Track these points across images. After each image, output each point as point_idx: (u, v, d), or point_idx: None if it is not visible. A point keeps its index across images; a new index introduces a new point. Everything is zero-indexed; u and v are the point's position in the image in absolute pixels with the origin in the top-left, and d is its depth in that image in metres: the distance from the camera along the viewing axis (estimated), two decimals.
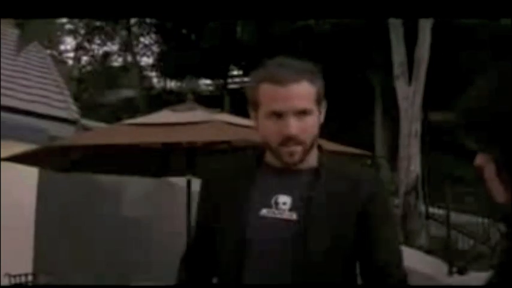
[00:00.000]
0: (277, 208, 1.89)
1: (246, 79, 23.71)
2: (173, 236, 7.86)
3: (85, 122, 8.48)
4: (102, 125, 8.55)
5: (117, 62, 26.32)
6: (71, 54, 26.40)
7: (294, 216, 1.87)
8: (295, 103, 1.83)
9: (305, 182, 1.92)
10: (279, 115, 1.84)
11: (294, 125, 1.83)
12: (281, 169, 1.94)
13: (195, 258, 2.15)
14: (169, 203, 8.26)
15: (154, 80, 26.13)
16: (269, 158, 1.97)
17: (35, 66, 9.39)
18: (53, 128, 7.64)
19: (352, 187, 1.91)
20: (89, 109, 11.68)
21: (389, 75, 11.22)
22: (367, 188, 1.92)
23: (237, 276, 1.89)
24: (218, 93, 22.05)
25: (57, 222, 8.39)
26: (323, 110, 1.96)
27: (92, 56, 25.97)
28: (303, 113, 1.85)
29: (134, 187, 8.14)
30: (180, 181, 7.30)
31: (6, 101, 7.60)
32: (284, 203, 1.89)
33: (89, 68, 25.93)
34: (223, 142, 4.49)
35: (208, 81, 24.69)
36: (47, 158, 4.93)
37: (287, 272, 1.85)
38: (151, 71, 25.62)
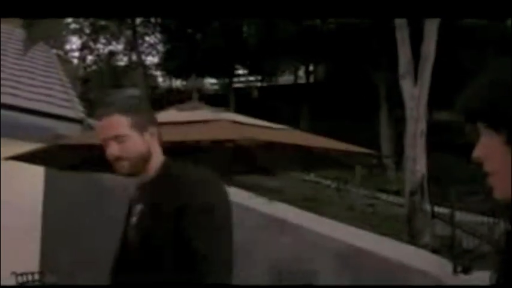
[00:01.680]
0: (136, 216, 2.32)
1: (251, 78, 23.73)
2: None
3: (91, 121, 8.48)
4: None
5: (122, 61, 26.35)
6: (76, 54, 26.43)
7: (136, 223, 2.30)
8: (108, 132, 2.25)
9: (147, 191, 2.32)
10: (105, 141, 2.26)
11: (113, 148, 2.25)
12: (141, 183, 2.37)
13: None
14: None
15: (160, 79, 26.15)
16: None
17: (40, 65, 9.41)
18: (59, 127, 7.65)
19: (172, 197, 2.20)
20: (95, 108, 11.73)
21: (395, 75, 11.21)
22: (182, 199, 2.17)
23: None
24: (223, 92, 22.04)
25: (64, 221, 8.41)
26: (150, 131, 2.32)
27: (97, 56, 26.00)
28: (119, 137, 2.24)
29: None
30: None
31: (12, 100, 7.62)
32: (137, 212, 2.32)
33: (94, 67, 25.96)
34: (228, 141, 4.48)
35: (213, 80, 24.69)
36: (54, 157, 4.95)
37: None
38: (156, 70, 25.66)
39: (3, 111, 7.33)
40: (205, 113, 4.72)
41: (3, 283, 6.38)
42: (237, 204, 8.03)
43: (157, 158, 2.33)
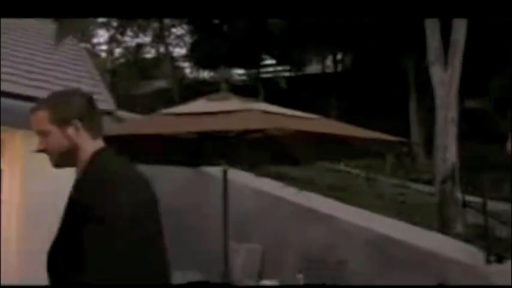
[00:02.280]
0: None
1: (279, 68, 23.66)
2: (208, 226, 7.93)
3: (120, 113, 8.54)
4: (137, 116, 8.61)
5: (149, 53, 26.47)
6: (104, 47, 26.60)
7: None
8: (34, 126, 2.36)
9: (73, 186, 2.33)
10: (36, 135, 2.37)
11: (39, 142, 2.35)
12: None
13: None
14: (204, 193, 8.31)
15: (187, 71, 26.21)
16: None
17: (70, 59, 9.50)
18: None
19: (76, 193, 2.28)
20: (123, 101, 11.78)
21: (424, 61, 11.09)
22: (74, 196, 2.28)
23: None
24: (251, 83, 22.01)
25: None
26: (74, 125, 2.34)
27: (125, 48, 26.13)
28: (42, 132, 2.34)
29: (169, 178, 8.19)
30: (214, 171, 7.35)
31: (43, 94, 7.71)
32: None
33: (122, 60, 26.10)
34: (258, 130, 4.48)
35: (241, 71, 24.68)
36: None
37: None
38: (184, 61, 25.71)
39: (34, 104, 7.42)
40: (235, 103, 4.72)
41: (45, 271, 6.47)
42: (268, 194, 8.10)
43: (87, 152, 2.35)
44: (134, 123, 5.29)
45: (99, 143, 2.39)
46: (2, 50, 8.44)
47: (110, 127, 7.11)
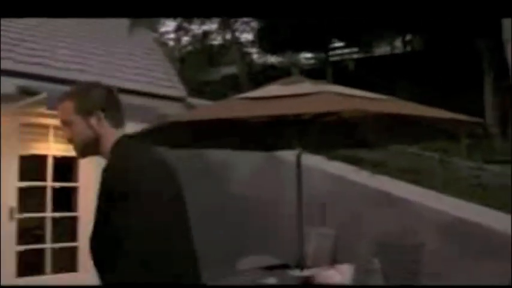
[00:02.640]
0: None
1: (346, 50, 23.38)
2: (281, 211, 7.94)
3: (190, 100, 8.65)
4: (208, 102, 8.68)
5: (216, 40, 26.62)
6: (172, 36, 26.89)
7: None
8: (60, 117, 2.50)
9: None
10: (61, 126, 2.50)
11: (64, 131, 2.50)
12: None
13: None
14: (276, 178, 8.31)
15: (255, 56, 26.24)
16: None
17: (141, 48, 9.67)
18: (161, 106, 7.85)
19: (104, 181, 2.30)
20: (192, 88, 11.90)
21: (499, 40, 10.73)
22: (101, 182, 2.31)
23: None
24: (319, 66, 21.84)
25: None
26: (96, 116, 2.45)
27: (192, 36, 26.35)
28: (66, 122, 2.47)
29: (242, 162, 8.23)
30: (287, 155, 7.34)
31: (116, 82, 7.88)
32: None
33: (189, 48, 26.35)
34: (332, 113, 4.43)
35: (308, 55, 24.52)
36: (159, 136, 5.06)
37: None
38: (251, 47, 25.73)
39: None
40: (307, 86, 4.67)
41: None
42: (340, 178, 8.04)
43: (109, 141, 2.44)
44: (207, 108, 5.32)
45: (121, 132, 2.48)
46: (78, 42, 8.67)
47: (182, 113, 7.21)
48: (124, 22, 10.46)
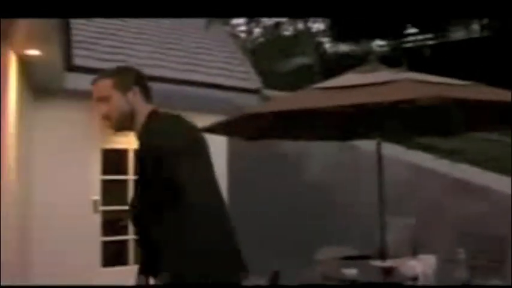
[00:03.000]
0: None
1: (420, 37, 22.88)
2: (359, 200, 7.89)
3: (265, 91, 8.68)
4: (282, 93, 8.69)
5: (288, 30, 26.58)
6: (243, 28, 27.03)
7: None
8: (96, 94, 2.73)
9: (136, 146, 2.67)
10: (95, 103, 2.72)
11: (100, 108, 2.71)
12: None
13: None
14: (354, 168, 8.26)
15: (327, 45, 26.07)
16: None
17: (215, 41, 9.77)
18: (238, 98, 7.91)
19: (143, 148, 2.61)
20: (265, 79, 11.92)
21: None
22: (138, 151, 2.63)
23: None
24: (394, 54, 21.47)
25: (246, 189, 8.70)
26: (133, 91, 2.72)
27: (264, 28, 26.41)
28: (104, 98, 2.69)
29: (318, 153, 8.22)
30: (363, 144, 7.27)
31: (194, 76, 8.00)
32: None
33: (261, 39, 26.42)
34: (411, 100, 4.35)
35: (382, 42, 24.15)
36: (238, 127, 5.12)
37: None
38: (324, 36, 25.57)
39: (185, 87, 7.72)
40: (385, 74, 4.62)
41: None
42: (419, 167, 7.91)
43: (143, 114, 2.71)
44: (285, 99, 5.33)
45: (152, 107, 2.74)
46: (155, 38, 8.84)
47: (260, 105, 7.24)
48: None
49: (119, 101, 2.70)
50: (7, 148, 4.80)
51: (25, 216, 6.41)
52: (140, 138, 2.66)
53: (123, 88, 2.71)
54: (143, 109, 2.72)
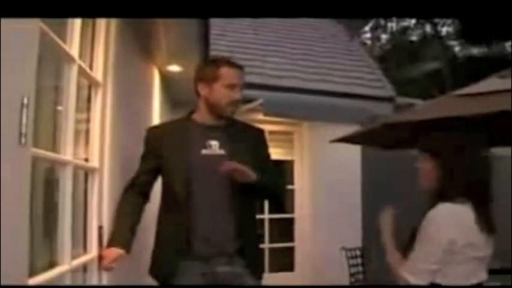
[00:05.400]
0: (211, 148, 3.02)
1: None
2: (504, 211, 7.53)
3: (399, 99, 8.56)
4: (415, 100, 8.52)
5: (416, 35, 26.02)
6: (369, 35, 26.75)
7: (222, 152, 3.02)
8: (242, 80, 3.09)
9: (224, 131, 3.06)
10: (235, 86, 3.05)
11: (240, 93, 3.08)
12: (207, 126, 3.08)
13: (138, 187, 3.09)
14: (495, 175, 7.92)
15: (457, 49, 25.24)
16: (199, 119, 3.11)
17: (343, 49, 9.77)
18: (373, 107, 7.85)
19: (250, 133, 3.21)
20: (395, 86, 11.71)
21: None
22: (260, 135, 3.26)
23: (192, 188, 2.95)
24: None
25: (381, 197, 8.58)
26: None
27: (391, 33, 26.01)
28: (241, 86, 3.09)
29: None
30: (504, 151, 6.95)
31: (326, 86, 8.04)
32: (214, 145, 3.03)
33: (388, 45, 26.03)
34: None
35: None
36: (376, 136, 5.09)
37: (226, 184, 2.94)
38: (454, 39, 24.77)
39: (318, 97, 7.77)
40: None
41: (332, 258, 6.78)
42: None
43: None
44: (424, 107, 5.23)
45: None
46: (279, 48, 8.99)
47: (397, 114, 7.13)
48: (321, 25, 10.64)
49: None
50: None
51: None
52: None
53: None
54: None
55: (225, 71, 3.03)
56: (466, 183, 2.51)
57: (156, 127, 3.35)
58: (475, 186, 2.53)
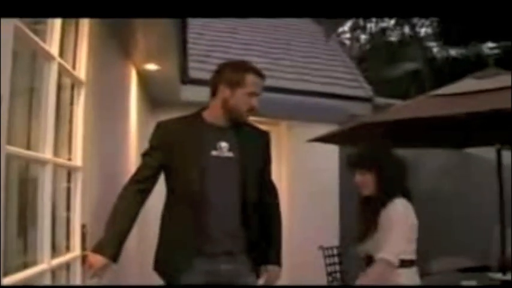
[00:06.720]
0: (220, 150, 3.07)
1: None
2: (473, 211, 7.63)
3: (378, 99, 8.61)
4: (393, 101, 8.57)
5: (395, 36, 26.15)
6: (348, 35, 26.84)
7: (231, 154, 3.09)
8: (260, 89, 3.13)
9: (233, 134, 3.12)
10: (253, 95, 3.08)
11: (254, 101, 3.10)
12: (218, 126, 3.11)
13: (139, 184, 3.07)
14: (467, 176, 8.01)
15: (435, 50, 25.41)
16: (211, 119, 3.14)
17: (324, 50, 9.81)
18: (351, 107, 7.90)
19: (257, 136, 3.29)
20: (374, 86, 11.75)
21: None
22: (266, 138, 3.33)
23: (202, 188, 2.98)
24: (505, 56, 20.60)
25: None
26: None
27: (370, 34, 26.12)
28: (258, 94, 3.12)
29: (431, 160, 8.04)
30: (480, 152, 7.04)
31: (305, 86, 8.06)
32: (224, 147, 3.08)
33: (367, 46, 26.13)
34: None
35: (493, 44, 23.22)
36: (353, 136, 5.12)
37: (233, 186, 3.05)
38: (432, 41, 24.94)
39: (297, 97, 7.79)
40: (505, 78, 4.48)
41: (309, 257, 6.79)
42: None
43: None
44: (401, 107, 5.28)
45: None
46: (257, 47, 9.00)
47: (375, 114, 7.18)
48: (304, 27, 10.68)
49: None
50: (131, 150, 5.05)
51: None
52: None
53: None
54: None
55: (251, 79, 3.08)
56: (400, 183, 3.30)
57: (167, 122, 3.27)
58: (404, 183, 3.33)
